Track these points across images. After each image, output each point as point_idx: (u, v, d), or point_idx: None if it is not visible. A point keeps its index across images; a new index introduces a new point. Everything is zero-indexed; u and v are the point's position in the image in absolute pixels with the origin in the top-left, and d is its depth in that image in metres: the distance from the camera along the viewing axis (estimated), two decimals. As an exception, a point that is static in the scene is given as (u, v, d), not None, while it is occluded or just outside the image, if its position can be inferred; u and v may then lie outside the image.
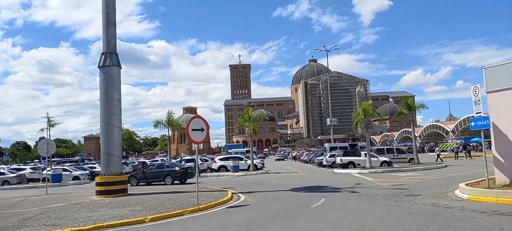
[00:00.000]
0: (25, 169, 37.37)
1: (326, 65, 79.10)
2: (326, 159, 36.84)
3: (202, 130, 13.82)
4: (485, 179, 13.18)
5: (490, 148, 43.76)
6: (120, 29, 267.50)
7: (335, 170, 30.72)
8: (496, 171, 12.95)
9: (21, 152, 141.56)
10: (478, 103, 12.65)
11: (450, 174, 23.38)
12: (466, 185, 13.64)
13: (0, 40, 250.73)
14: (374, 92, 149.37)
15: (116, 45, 18.78)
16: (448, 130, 69.02)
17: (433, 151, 44.04)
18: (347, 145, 47.60)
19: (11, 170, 36.15)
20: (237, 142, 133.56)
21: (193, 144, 14.47)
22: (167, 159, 54.89)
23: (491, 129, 12.76)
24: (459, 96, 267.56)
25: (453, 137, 66.51)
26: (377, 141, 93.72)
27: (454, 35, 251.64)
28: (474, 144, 65.13)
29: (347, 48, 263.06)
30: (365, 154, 30.82)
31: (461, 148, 49.81)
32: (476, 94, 12.63)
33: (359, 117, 29.89)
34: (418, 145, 53.29)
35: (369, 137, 31.43)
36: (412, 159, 35.05)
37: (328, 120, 63.84)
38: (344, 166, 31.38)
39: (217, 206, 13.49)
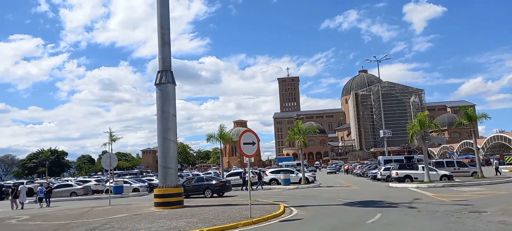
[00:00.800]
0: (90, 181, 39.97)
1: (377, 76, 76.96)
2: (381, 172, 35.60)
3: (254, 143, 14.05)
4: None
5: None
6: (174, 47, 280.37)
7: (391, 184, 29.57)
8: None
9: (86, 164, 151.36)
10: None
11: (520, 189, 21.61)
12: (539, 201, 12.54)
13: (67, 62, 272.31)
14: (430, 102, 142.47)
15: (170, 63, 19.70)
16: (516, 141, 63.85)
17: (502, 164, 40.57)
18: (403, 158, 45.67)
19: (78, 182, 38.91)
20: (287, 154, 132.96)
21: (244, 157, 14.71)
22: (219, 172, 55.99)
23: None
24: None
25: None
26: (435, 154, 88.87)
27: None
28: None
29: (399, 57, 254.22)
30: (423, 167, 29.39)
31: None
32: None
33: (414, 128, 28.63)
34: (481, 157, 49.85)
35: (426, 149, 29.95)
36: (475, 172, 32.84)
37: (381, 131, 61.74)
38: (400, 180, 30.10)
39: (269, 220, 13.56)
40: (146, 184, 36.30)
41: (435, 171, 29.78)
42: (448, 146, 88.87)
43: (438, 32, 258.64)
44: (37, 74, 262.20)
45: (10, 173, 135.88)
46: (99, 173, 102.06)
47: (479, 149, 40.60)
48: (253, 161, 16.92)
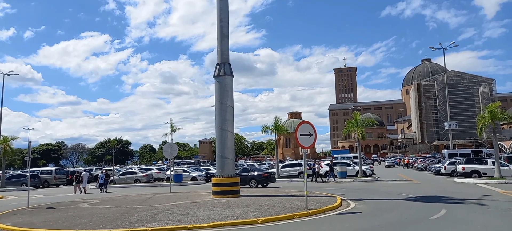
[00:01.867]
0: (152, 169, 42.24)
1: (442, 65, 72.22)
2: (445, 166, 33.58)
3: (310, 135, 13.91)
4: None
5: None
6: (230, 40, 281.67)
7: (456, 179, 27.83)
8: None
9: (147, 154, 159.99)
10: None
11: None
12: None
13: (131, 56, 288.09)
14: (502, 93, 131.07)
15: (229, 56, 20.07)
16: None
17: None
18: (470, 152, 42.72)
19: (141, 170, 41.29)
20: (343, 147, 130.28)
21: (300, 148, 14.62)
22: (274, 163, 56.30)
23: None
24: None
25: None
26: (506, 148, 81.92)
27: None
28: None
29: (468, 45, 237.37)
30: (493, 162, 27.26)
31: None
32: None
33: (484, 120, 26.58)
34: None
35: (497, 143, 27.73)
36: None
37: (446, 124, 58.21)
38: (467, 175, 28.20)
39: (326, 212, 13.40)
40: (203, 173, 37.57)
41: (507, 166, 27.52)
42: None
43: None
44: (105, 68, 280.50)
45: (80, 160, 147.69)
46: (160, 161, 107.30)
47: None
48: (309, 152, 16.77)
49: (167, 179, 32.69)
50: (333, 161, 37.13)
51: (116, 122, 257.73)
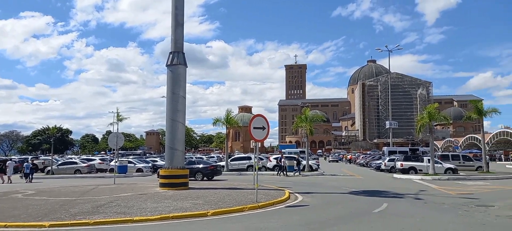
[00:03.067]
0: (94, 159, 40.23)
1: (386, 66, 76.26)
2: (385, 163, 35.48)
3: (264, 128, 13.96)
4: None
5: None
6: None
7: (395, 175, 29.50)
8: None
9: (89, 143, 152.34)
10: None
11: (527, 186, 21.45)
12: (549, 198, 12.42)
13: (76, 40, 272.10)
14: (437, 95, 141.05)
15: (183, 45, 19.55)
16: (522, 137, 63.41)
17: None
18: (408, 150, 45.48)
19: (82, 160, 39.17)
20: (290, 142, 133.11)
21: (251, 141, 14.64)
22: (222, 156, 56.13)
23: None
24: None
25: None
26: (439, 147, 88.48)
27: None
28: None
29: (410, 49, 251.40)
30: (428, 159, 29.26)
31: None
32: None
33: (423, 120, 28.40)
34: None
35: (433, 142, 29.79)
36: (480, 167, 32.71)
37: (387, 122, 61.46)
38: (405, 171, 30.03)
39: (275, 205, 13.55)
40: (149, 164, 36.48)
41: (441, 164, 29.66)
42: (453, 139, 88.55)
43: (451, 24, 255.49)
44: (46, 52, 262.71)
45: (14, 148, 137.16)
46: (102, 152, 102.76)
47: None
48: (260, 146, 16.83)
49: (111, 170, 31.29)
50: (287, 155, 37.60)
51: (56, 109, 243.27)
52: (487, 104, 32.48)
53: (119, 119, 40.51)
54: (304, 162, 34.00)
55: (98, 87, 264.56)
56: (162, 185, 18.04)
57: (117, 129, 43.36)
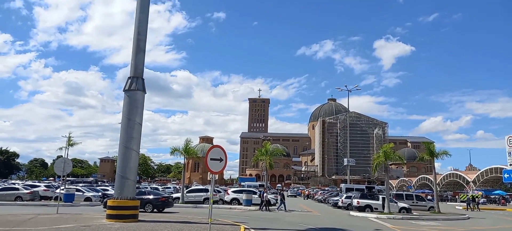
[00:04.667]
0: (39, 186, 37.45)
1: (346, 105, 79.23)
2: (342, 200, 35.69)
3: (221, 159, 13.48)
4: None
5: (509, 202, 42.16)
6: (148, 58, 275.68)
7: (351, 213, 29.61)
8: (531, 229, 12.01)
9: (37, 168, 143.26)
10: (513, 155, 11.92)
11: (475, 227, 22.15)
12: (497, 241, 12.68)
13: (33, 61, 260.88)
14: (392, 136, 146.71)
15: (143, 71, 18.88)
16: (469, 180, 66.55)
17: (472, 201, 42.11)
18: (364, 187, 46.24)
19: (25, 186, 36.27)
20: (250, 175, 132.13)
21: (209, 173, 14.08)
22: (179, 187, 54.30)
23: (526, 183, 11.96)
24: (479, 146, 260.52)
25: (474, 188, 64.05)
26: (394, 186, 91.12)
27: (478, 84, 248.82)
28: (496, 196, 62.52)
29: (368, 90, 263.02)
30: (383, 198, 29.72)
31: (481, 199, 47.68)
32: (510, 145, 11.93)
33: (379, 159, 29.02)
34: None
35: (388, 181, 30.40)
36: (432, 207, 33.67)
37: (345, 160, 62.70)
38: (361, 209, 30.25)
39: (229, 241, 12.91)
40: (99, 193, 34.36)
41: (395, 203, 30.19)
42: (406, 179, 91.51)
43: (406, 70, 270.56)
44: (0, 70, 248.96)
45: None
46: (51, 178, 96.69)
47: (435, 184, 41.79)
48: (217, 178, 16.25)
49: (56, 198, 29.12)
50: (240, 188, 36.91)
51: (4, 131, 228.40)
52: (439, 147, 33.90)
53: (70, 144, 38.27)
54: (230, 196, 33.71)
55: (53, 110, 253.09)
56: (109, 217, 16.80)
57: (67, 154, 40.91)
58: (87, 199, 32.46)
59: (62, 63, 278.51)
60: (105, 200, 26.80)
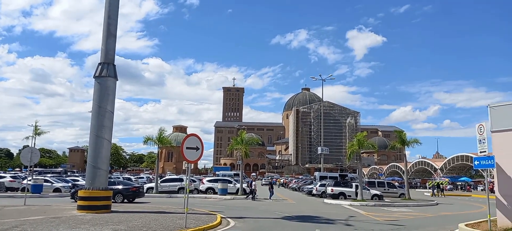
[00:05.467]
0: (4, 177, 35.86)
1: (319, 95, 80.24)
2: (316, 188, 36.18)
3: (197, 148, 13.23)
4: (487, 221, 12.72)
5: (476, 188, 44.58)
6: (119, 44, 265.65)
7: (325, 200, 30.05)
8: (498, 213, 12.52)
9: (2, 159, 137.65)
10: (483, 142, 12.32)
11: (444, 213, 22.94)
12: (466, 226, 13.15)
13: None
14: (364, 125, 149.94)
15: (114, 57, 18.24)
16: (437, 167, 69.12)
17: (437, 188, 44.35)
18: (338, 175, 47.05)
19: (-11, 177, 34.66)
20: (225, 164, 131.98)
21: (185, 162, 13.81)
22: (153, 177, 53.48)
23: (495, 170, 12.40)
24: (446, 135, 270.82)
25: (441, 175, 66.59)
26: (365, 174, 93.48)
27: (446, 75, 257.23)
28: (462, 183, 65.28)
29: (341, 80, 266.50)
30: (356, 185, 30.31)
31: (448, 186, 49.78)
32: (481, 133, 12.31)
33: (353, 147, 29.52)
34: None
35: (361, 169, 31.02)
36: (403, 194, 34.66)
37: (319, 148, 63.56)
38: (335, 196, 30.76)
39: (206, 231, 12.76)
40: (69, 184, 33.32)
41: (368, 190, 30.86)
42: (378, 167, 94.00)
43: (377, 60, 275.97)
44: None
45: None
46: (17, 169, 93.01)
47: (404, 172, 43.03)
48: (192, 167, 16.00)
49: (23, 189, 27.97)
50: (215, 177, 36.72)
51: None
52: (408, 136, 34.83)
53: (38, 133, 36.77)
54: (205, 185, 33.65)
55: (18, 98, 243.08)
56: (81, 208, 16.26)
57: (34, 143, 39.30)
58: (56, 190, 31.43)
59: (27, 49, 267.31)
60: (72, 190, 25.96)
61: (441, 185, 47.05)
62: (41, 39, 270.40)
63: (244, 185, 34.83)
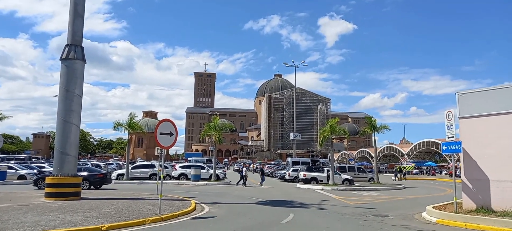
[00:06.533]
0: (-37, 164, 34.07)
1: (291, 81, 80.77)
2: (289, 173, 36.66)
3: (171, 134, 12.99)
4: (453, 203, 13.30)
5: (441, 172, 46.89)
6: (85, 26, 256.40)
7: (298, 185, 30.51)
8: (464, 196, 13.11)
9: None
10: (451, 128, 12.79)
11: (411, 196, 23.83)
12: (434, 208, 13.71)
13: None
14: (335, 111, 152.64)
15: (82, 39, 17.53)
16: (404, 152, 71.57)
17: (400, 172, 46.92)
18: (309, 161, 47.82)
19: None
20: (197, 150, 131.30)
21: (158, 148, 13.56)
22: (122, 163, 52.42)
23: (462, 155, 12.92)
24: (412, 121, 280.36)
25: (408, 160, 69.06)
26: (335, 159, 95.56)
27: (414, 63, 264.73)
28: (427, 167, 68.07)
29: (313, 67, 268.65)
30: (328, 170, 30.91)
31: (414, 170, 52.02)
32: (449, 119, 12.76)
33: (325, 133, 29.98)
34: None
35: (333, 154, 31.63)
36: (372, 178, 35.70)
37: (291, 134, 64.26)
38: (307, 181, 31.27)
39: (180, 217, 12.65)
40: (35, 171, 32.08)
41: (339, 175, 31.56)
42: (348, 152, 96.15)
43: (348, 48, 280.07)
44: None
45: None
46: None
47: (373, 157, 44.46)
48: (165, 153, 15.74)
49: (-15, 177, 26.75)
50: (188, 164, 36.42)
51: None
52: (378, 122, 35.74)
53: (-1, 118, 34.94)
54: (178, 171, 33.55)
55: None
56: (49, 195, 15.70)
57: (-3, 129, 37.40)
58: (21, 177, 30.23)
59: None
60: (35, 177, 25.01)
61: (402, 169, 49.72)
62: (1, 19, 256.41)
63: (218, 171, 34.74)
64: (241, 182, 30.02)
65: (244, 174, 30.33)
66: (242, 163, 47.40)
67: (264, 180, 31.64)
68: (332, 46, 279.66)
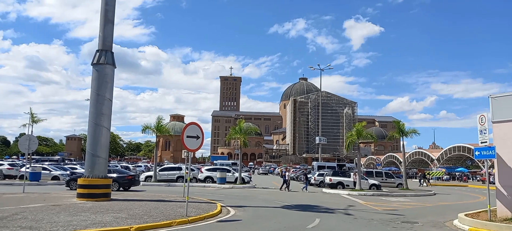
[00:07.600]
0: (2, 164, 35.75)
1: (316, 85, 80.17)
2: (315, 177, 36.32)
3: (198, 137, 13.17)
4: (486, 211, 12.79)
5: (473, 178, 45.36)
6: (115, 32, 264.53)
7: (324, 190, 30.18)
8: (498, 204, 12.58)
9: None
10: (484, 133, 12.32)
11: (442, 203, 23.09)
12: (466, 215, 13.22)
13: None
14: (361, 115, 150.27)
15: (112, 44, 18.08)
16: (434, 157, 69.48)
17: (424, 178, 46.00)
18: (336, 165, 47.22)
19: (-13, 165, 34.53)
20: (222, 153, 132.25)
21: (185, 151, 13.76)
22: (151, 165, 53.52)
23: (495, 160, 12.42)
24: (442, 126, 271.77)
25: (438, 165, 66.98)
26: (362, 164, 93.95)
27: (443, 66, 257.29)
28: (458, 173, 65.74)
29: (339, 70, 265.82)
30: (354, 175, 30.41)
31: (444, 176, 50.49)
32: (482, 123, 12.30)
33: (352, 137, 29.54)
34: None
35: (360, 159, 31.11)
36: (401, 184, 34.84)
37: (317, 138, 63.53)
38: (333, 186, 30.88)
39: (206, 219, 12.76)
40: (68, 172, 33.24)
41: (366, 179, 30.99)
42: (375, 157, 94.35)
43: (375, 51, 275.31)
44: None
45: None
46: (14, 157, 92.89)
47: (401, 162, 43.44)
48: (192, 156, 15.95)
49: (21, 177, 27.92)
50: (213, 166, 36.78)
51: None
52: (407, 126, 34.88)
53: (34, 121, 36.52)
54: (204, 174, 33.66)
55: (13, 85, 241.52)
56: (80, 195, 16.24)
57: (31, 131, 39.08)
58: (55, 177, 31.38)
59: (22, 35, 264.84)
60: (68, 178, 25.77)
61: (427, 175, 48.63)
62: (36, 26, 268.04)
63: (243, 174, 34.86)
64: (284, 186, 29.52)
65: (287, 178, 29.86)
66: (285, 167, 47.28)
67: (308, 184, 31.03)
68: (358, 49, 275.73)
